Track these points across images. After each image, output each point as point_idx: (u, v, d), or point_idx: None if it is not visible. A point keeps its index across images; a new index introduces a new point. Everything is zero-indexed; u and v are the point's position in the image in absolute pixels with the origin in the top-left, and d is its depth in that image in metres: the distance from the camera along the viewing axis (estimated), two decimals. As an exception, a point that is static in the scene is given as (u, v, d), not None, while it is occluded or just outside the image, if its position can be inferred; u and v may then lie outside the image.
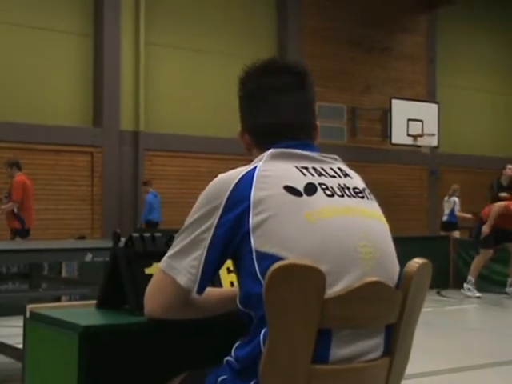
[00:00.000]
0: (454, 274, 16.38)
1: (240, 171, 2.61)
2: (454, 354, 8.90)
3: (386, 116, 25.32)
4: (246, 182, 2.55)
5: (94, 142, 21.75)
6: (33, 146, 20.06)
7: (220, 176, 2.63)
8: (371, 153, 24.38)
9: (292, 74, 2.84)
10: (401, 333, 2.64)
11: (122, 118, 22.10)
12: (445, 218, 22.33)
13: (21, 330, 7.51)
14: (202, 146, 22.46)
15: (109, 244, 7.89)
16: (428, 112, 25.17)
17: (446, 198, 22.46)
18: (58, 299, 7.37)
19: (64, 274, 9.56)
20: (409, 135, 24.84)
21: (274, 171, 2.58)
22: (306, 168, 2.64)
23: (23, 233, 15.90)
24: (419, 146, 25.14)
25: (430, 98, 26.96)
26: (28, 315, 3.09)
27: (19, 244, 9.53)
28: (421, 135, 24.74)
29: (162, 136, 22.37)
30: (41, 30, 21.11)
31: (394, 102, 24.93)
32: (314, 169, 2.65)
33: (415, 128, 24.85)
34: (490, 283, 15.84)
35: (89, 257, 7.13)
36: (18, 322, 8.06)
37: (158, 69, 22.74)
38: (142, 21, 22.48)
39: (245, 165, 2.65)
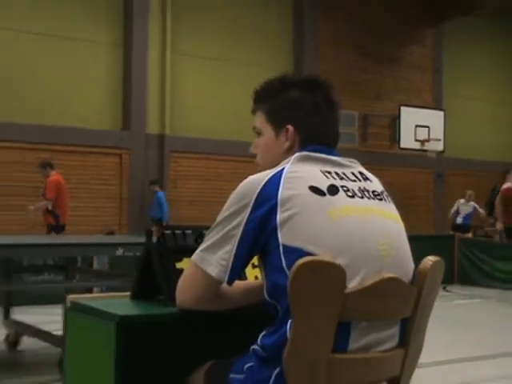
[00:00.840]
0: (458, 271, 16.38)
1: (268, 173, 2.62)
2: (462, 346, 8.89)
3: (394, 122, 25.30)
4: (274, 182, 2.56)
5: (122, 144, 21.78)
6: (66, 148, 20.08)
7: (250, 177, 2.64)
8: (381, 157, 24.30)
9: (326, 88, 2.87)
10: (415, 325, 2.65)
11: (148, 121, 22.11)
12: (459, 221, 22.30)
13: (55, 317, 7.57)
14: (223, 148, 22.45)
15: (138, 240, 7.95)
16: (434, 119, 25.16)
17: (463, 201, 22.44)
18: (90, 290, 7.39)
19: (95, 266, 9.58)
20: (416, 140, 24.86)
21: (300, 173, 2.60)
22: (329, 172, 2.66)
23: (58, 228, 15.95)
24: (426, 151, 25.12)
25: (436, 105, 26.90)
26: (68, 305, 3.09)
27: (55, 238, 9.53)
28: (427, 140, 24.74)
29: (187, 139, 22.38)
30: (74, 41, 21.15)
31: (403, 109, 24.93)
32: (336, 173, 2.67)
33: (422, 133, 24.86)
34: (492, 279, 15.85)
35: (120, 251, 7.14)
36: (54, 309, 8.13)
37: (183, 76, 22.74)
38: (169, 31, 22.49)
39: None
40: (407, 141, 24.83)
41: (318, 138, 2.79)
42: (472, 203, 22.20)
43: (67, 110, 20.73)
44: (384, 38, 25.90)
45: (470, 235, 21.33)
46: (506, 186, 13.05)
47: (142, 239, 8.08)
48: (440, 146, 25.31)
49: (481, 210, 22.02)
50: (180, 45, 22.59)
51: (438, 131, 25.13)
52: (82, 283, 7.00)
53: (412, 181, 25.48)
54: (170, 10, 22.51)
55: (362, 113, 25.05)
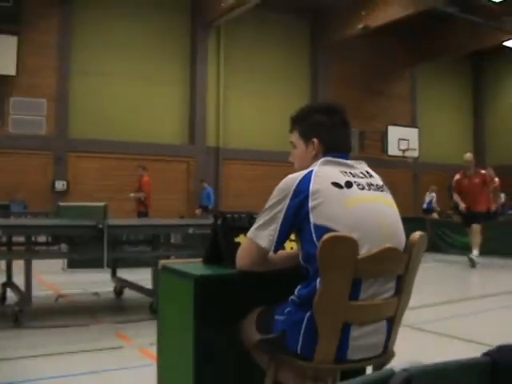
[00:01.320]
0: (429, 243, 16.26)
1: (302, 173, 2.66)
2: (428, 295, 8.84)
3: (383, 136, 25.24)
4: (306, 179, 2.60)
5: (189, 154, 21.93)
6: (153, 157, 20.29)
7: (289, 176, 2.67)
8: (374, 161, 24.08)
9: (341, 113, 2.88)
10: (406, 280, 2.65)
11: (207, 138, 22.26)
12: (424, 206, 22.38)
13: (145, 276, 7.63)
14: (261, 156, 22.58)
15: (203, 222, 7.96)
16: (412, 134, 25.22)
17: (427, 193, 22.55)
18: (168, 258, 7.40)
19: (172, 241, 9.61)
20: (399, 149, 24.87)
21: (324, 172, 2.63)
22: (345, 172, 2.68)
23: (145, 214, 16.08)
24: (406, 157, 25.10)
25: (413, 124, 26.81)
26: (160, 267, 3.12)
27: (145, 221, 9.59)
28: (407, 149, 24.73)
29: (234, 150, 22.49)
30: (156, 82, 21.37)
31: (389, 127, 25.06)
32: (350, 173, 2.69)
33: (403, 144, 24.90)
34: (452, 248, 15.78)
35: (191, 230, 7.17)
36: (144, 271, 8.21)
37: (232, 104, 22.88)
38: (222, 72, 22.70)
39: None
40: (393, 150, 24.93)
41: (335, 148, 2.80)
42: (433, 194, 22.40)
43: (152, 130, 21.01)
44: (375, 77, 25.92)
45: (435, 215, 21.34)
46: (456, 177, 13.10)
47: (206, 221, 8.13)
48: (416, 154, 25.31)
49: (434, 200, 22.18)
50: (230, 81, 22.80)
51: (414, 143, 25.10)
52: (165, 253, 7.04)
53: (396, 179, 25.34)
54: (223, 58, 22.66)
55: (360, 130, 24.99)
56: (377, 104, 26.30)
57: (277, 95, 23.38)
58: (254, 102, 23.19)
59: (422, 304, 7.69)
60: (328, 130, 2.83)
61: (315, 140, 2.83)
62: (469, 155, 13.31)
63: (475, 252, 12.76)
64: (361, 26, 21.72)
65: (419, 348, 5.50)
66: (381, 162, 24.72)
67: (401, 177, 26.31)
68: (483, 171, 13.47)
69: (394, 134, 24.95)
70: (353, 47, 24.58)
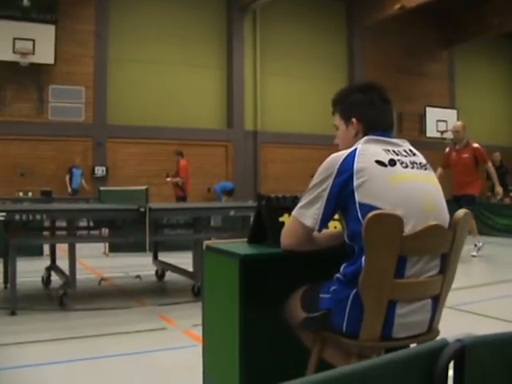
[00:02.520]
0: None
1: (345, 152, 2.65)
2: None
3: (422, 118, 24.98)
4: (350, 158, 2.59)
5: (227, 138, 21.96)
6: (190, 142, 20.34)
7: (332, 155, 2.67)
8: (412, 143, 23.84)
9: (379, 90, 2.89)
10: (451, 258, 2.64)
11: (245, 122, 22.24)
12: None
13: (186, 260, 7.71)
14: (298, 139, 22.47)
15: (245, 204, 8.01)
16: (450, 115, 24.80)
17: None
18: (209, 239, 7.47)
19: (212, 223, 9.67)
20: (437, 131, 24.59)
21: (368, 151, 2.62)
22: (388, 150, 2.67)
23: (184, 199, 16.17)
24: (444, 138, 24.77)
25: (451, 105, 26.46)
26: (204, 247, 3.15)
27: (185, 205, 9.67)
28: (446, 131, 24.39)
29: (272, 134, 22.45)
30: (195, 67, 21.40)
31: (428, 109, 24.73)
32: (393, 151, 2.68)
33: (441, 126, 24.58)
34: (492, 230, 15.58)
35: (232, 212, 7.22)
36: (185, 254, 8.30)
37: (269, 88, 22.78)
38: (258, 56, 22.59)
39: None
40: (431, 131, 24.65)
41: (375, 125, 2.79)
42: None
43: (190, 115, 21.05)
44: (412, 57, 25.58)
45: None
46: (446, 150, 11.47)
47: (247, 204, 8.17)
48: (454, 135, 25.00)
49: None
50: (266, 65, 22.67)
51: (452, 124, 24.78)
52: (205, 235, 7.07)
53: (435, 160, 25.03)
54: (259, 41, 22.60)
55: (397, 111, 24.74)
56: (414, 85, 25.95)
57: (313, 78, 23.24)
58: (290, 85, 23.08)
59: (462, 286, 7.63)
60: (365, 108, 2.83)
61: (354, 119, 2.83)
62: (457, 124, 11.60)
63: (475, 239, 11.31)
64: (397, 6, 21.45)
65: (460, 329, 5.48)
66: (419, 143, 24.23)
67: (440, 158, 26.01)
68: (476, 145, 11.41)
69: (432, 115, 24.69)
70: (389, 28, 24.26)
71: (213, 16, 22.08)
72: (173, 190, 16.83)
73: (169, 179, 16.62)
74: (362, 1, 23.59)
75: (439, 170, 10.97)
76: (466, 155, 11.06)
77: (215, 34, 22.12)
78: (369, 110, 2.83)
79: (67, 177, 18.93)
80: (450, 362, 1.42)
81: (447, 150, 11.38)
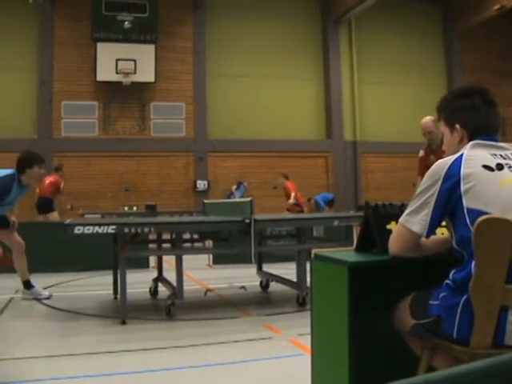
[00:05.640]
0: None
1: (452, 157, 2.65)
2: None
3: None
4: (457, 163, 2.60)
5: (327, 149, 22.00)
6: (289, 154, 20.50)
7: (439, 160, 2.68)
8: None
9: (481, 93, 2.86)
10: None
11: (344, 132, 22.22)
12: None
13: (285, 271, 7.76)
14: (397, 148, 22.21)
15: (347, 214, 8.01)
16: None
17: None
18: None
19: (314, 233, 9.68)
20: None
21: (474, 156, 2.62)
22: (495, 154, 2.65)
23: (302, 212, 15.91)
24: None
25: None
26: (313, 256, 3.19)
27: (289, 215, 9.75)
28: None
29: (372, 143, 22.33)
30: (290, 79, 21.57)
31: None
32: (500, 155, 2.66)
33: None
34: None
35: (336, 222, 7.25)
36: (285, 266, 8.37)
37: (367, 98, 22.73)
38: (355, 67, 22.57)
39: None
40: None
41: (478, 130, 2.77)
42: None
43: (290, 128, 21.26)
44: (509, 61, 24.88)
45: None
46: (419, 154, 9.66)
47: (350, 214, 8.18)
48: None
49: None
50: (363, 75, 22.65)
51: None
52: (309, 245, 7.12)
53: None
54: (355, 50, 22.56)
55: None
56: (513, 88, 25.29)
57: (411, 85, 22.98)
58: (388, 94, 22.91)
59: None
60: (468, 113, 2.81)
61: (457, 125, 2.83)
62: (426, 119, 7.76)
63: None
64: (496, 6, 20.94)
65: None
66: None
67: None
68: None
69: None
70: (486, 30, 23.68)
71: (307, 29, 22.23)
72: (291, 211, 16.61)
73: (291, 201, 16.29)
74: (458, 4, 23.16)
75: (419, 179, 8.79)
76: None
77: (310, 47, 22.25)
78: (472, 115, 2.80)
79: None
80: None
81: (421, 153, 8.74)
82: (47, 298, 8.01)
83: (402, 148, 22.12)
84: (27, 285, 8.10)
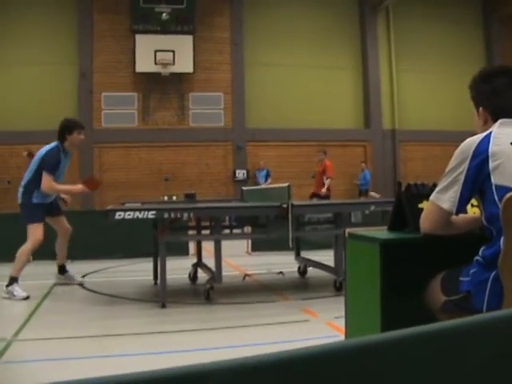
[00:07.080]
0: None
1: (480, 135, 2.71)
2: None
3: None
4: (485, 141, 2.65)
5: (365, 138, 21.96)
6: (328, 143, 20.47)
7: (468, 139, 2.73)
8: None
9: (504, 75, 2.87)
10: None
11: (383, 121, 22.13)
12: None
13: (322, 258, 7.84)
14: (437, 136, 22.01)
15: (384, 199, 8.03)
16: None
17: None
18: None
19: (352, 219, 9.73)
20: None
21: (502, 134, 2.67)
22: None
23: (327, 197, 15.97)
24: None
25: None
26: (347, 235, 3.28)
27: (326, 201, 9.81)
28: None
29: (411, 132, 22.19)
30: (327, 69, 21.55)
31: None
32: None
33: None
34: None
35: (372, 207, 7.32)
36: (322, 253, 8.44)
37: (406, 86, 22.56)
38: (393, 55, 22.42)
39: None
40: None
41: (502, 114, 2.80)
42: None
43: (328, 117, 21.26)
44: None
45: None
46: None
47: (387, 199, 8.21)
48: None
49: None
50: (401, 63, 22.47)
51: None
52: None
53: None
54: (393, 39, 22.42)
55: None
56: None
57: (449, 73, 22.71)
58: (426, 82, 22.70)
59: None
60: (489, 97, 2.85)
61: (481, 108, 2.89)
62: None
63: None
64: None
65: None
66: None
67: None
68: None
69: None
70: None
71: (345, 17, 22.15)
72: (315, 188, 16.63)
73: (327, 180, 16.32)
74: (499, -11, 22.88)
75: None
76: None
77: (348, 35, 22.17)
78: (493, 98, 2.84)
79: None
80: None
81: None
82: (79, 284, 8.20)
83: (440, 136, 21.96)
84: (62, 270, 8.31)
